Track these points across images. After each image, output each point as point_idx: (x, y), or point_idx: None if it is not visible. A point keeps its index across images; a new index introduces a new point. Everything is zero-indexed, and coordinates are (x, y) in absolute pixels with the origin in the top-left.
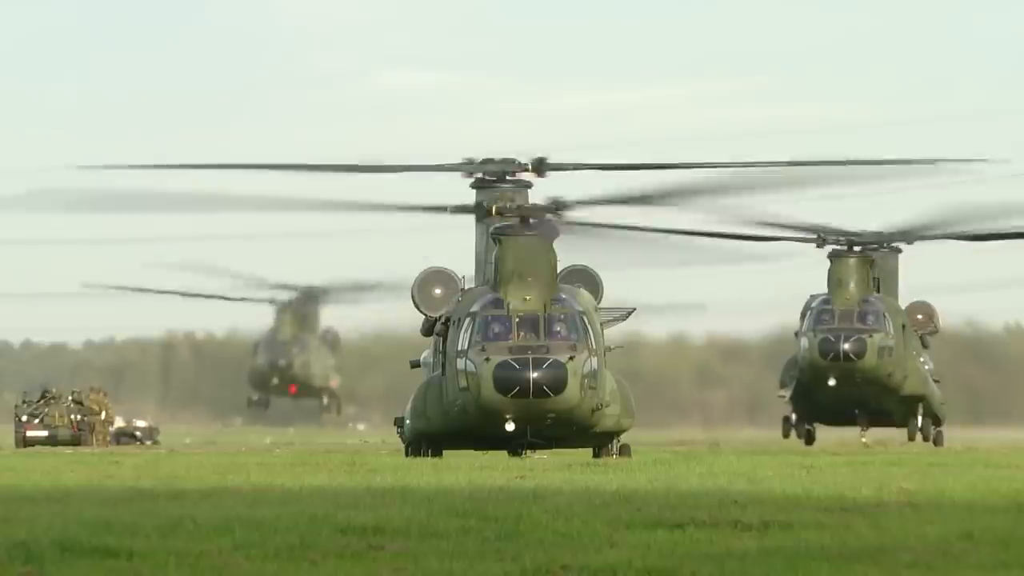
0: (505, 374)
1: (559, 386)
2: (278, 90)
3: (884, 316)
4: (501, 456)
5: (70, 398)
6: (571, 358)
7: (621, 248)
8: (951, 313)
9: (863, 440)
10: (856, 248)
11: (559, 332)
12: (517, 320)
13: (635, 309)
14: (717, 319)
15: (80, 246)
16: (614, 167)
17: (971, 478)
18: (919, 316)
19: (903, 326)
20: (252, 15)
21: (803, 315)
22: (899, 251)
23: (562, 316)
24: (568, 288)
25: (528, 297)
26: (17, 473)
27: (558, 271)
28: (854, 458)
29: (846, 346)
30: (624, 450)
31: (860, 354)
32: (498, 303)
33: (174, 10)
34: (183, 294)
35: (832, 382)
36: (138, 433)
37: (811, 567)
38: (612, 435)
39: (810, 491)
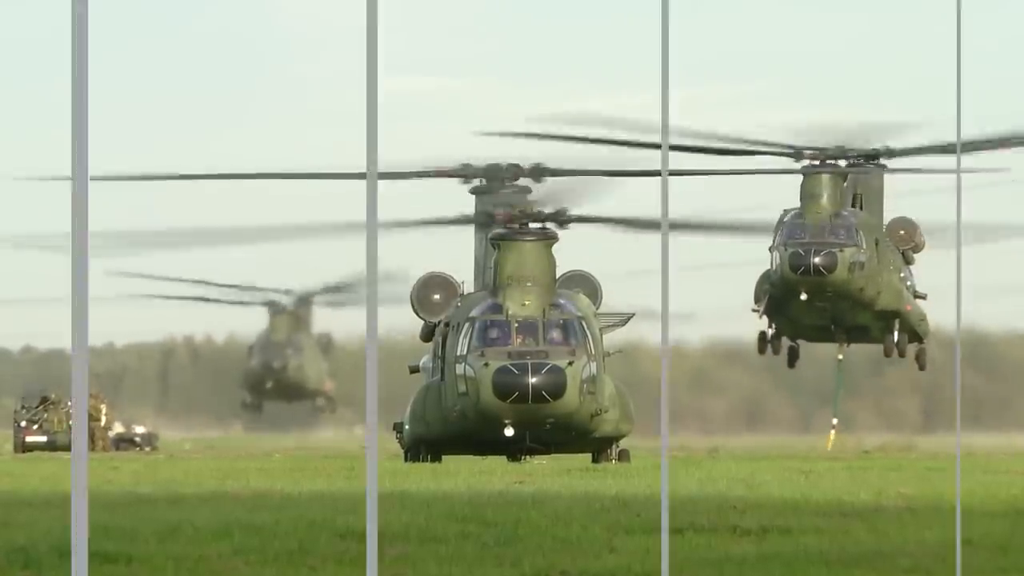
0: (504, 379)
1: (558, 391)
2: (275, 94)
3: (856, 231)
4: (500, 461)
5: (69, 403)
6: (570, 363)
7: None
8: (949, 321)
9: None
10: (834, 162)
11: (558, 337)
12: (516, 325)
13: (633, 315)
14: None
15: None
16: (611, 173)
17: (970, 483)
18: (901, 232)
19: (877, 241)
20: (250, 19)
21: (776, 228)
22: (885, 168)
23: (561, 321)
24: (567, 293)
25: (527, 302)
26: (16, 478)
27: (557, 276)
28: (853, 463)
29: (816, 260)
30: (623, 455)
31: (830, 268)
32: (497, 308)
33: (171, 13)
34: (180, 298)
35: (803, 296)
36: (137, 438)
37: (810, 572)
38: (611, 440)
39: (808, 496)
